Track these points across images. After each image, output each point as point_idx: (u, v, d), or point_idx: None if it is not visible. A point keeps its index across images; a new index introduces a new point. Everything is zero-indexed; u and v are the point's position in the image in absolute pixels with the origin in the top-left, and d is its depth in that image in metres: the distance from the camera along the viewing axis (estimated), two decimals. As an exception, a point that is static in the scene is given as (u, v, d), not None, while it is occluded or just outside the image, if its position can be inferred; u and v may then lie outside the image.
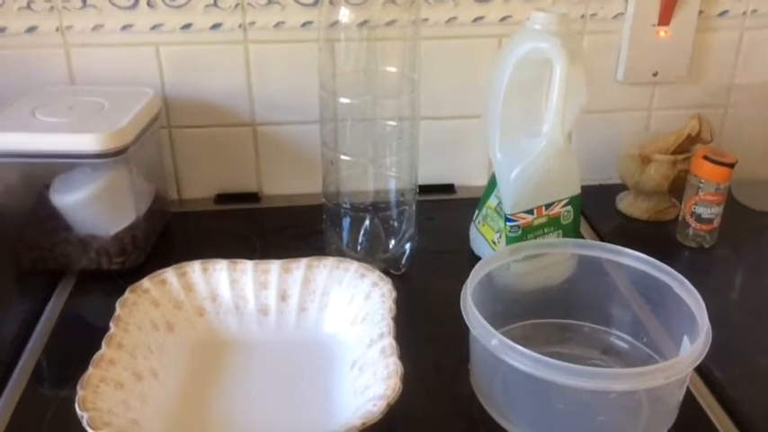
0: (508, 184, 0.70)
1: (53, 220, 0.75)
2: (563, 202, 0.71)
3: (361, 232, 0.76)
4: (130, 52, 0.85)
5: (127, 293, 0.64)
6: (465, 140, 0.94)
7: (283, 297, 0.67)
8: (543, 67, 0.67)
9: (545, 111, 0.68)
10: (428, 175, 0.77)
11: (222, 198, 0.93)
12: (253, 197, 0.94)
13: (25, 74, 0.84)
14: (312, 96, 0.83)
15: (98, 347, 0.57)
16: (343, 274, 0.67)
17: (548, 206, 0.71)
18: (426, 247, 0.79)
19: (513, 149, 0.70)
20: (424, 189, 0.78)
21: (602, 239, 0.84)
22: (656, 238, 0.85)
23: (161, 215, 0.86)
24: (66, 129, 0.72)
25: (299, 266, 0.68)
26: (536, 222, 0.71)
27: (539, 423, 0.55)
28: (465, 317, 0.57)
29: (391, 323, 0.60)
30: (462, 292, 0.59)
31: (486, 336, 0.54)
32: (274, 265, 0.68)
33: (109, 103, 0.77)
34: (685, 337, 0.57)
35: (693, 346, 0.53)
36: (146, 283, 0.65)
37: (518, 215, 0.70)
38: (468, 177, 0.96)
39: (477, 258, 0.76)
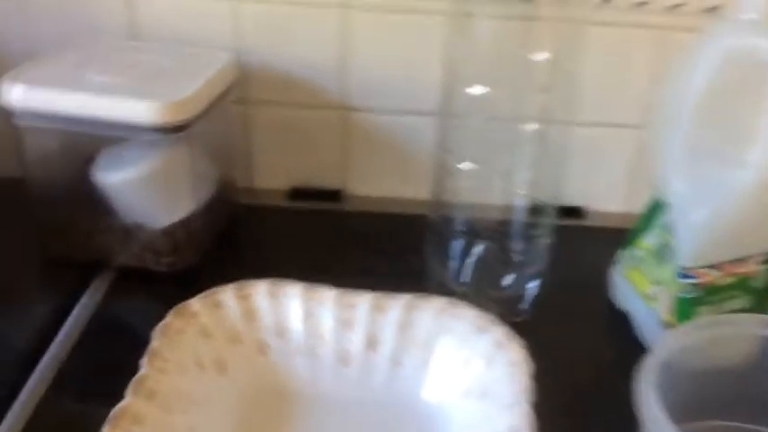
0: (690, 227, 0.52)
1: (93, 202, 0.63)
2: (760, 259, 0.53)
3: (472, 260, 0.60)
4: (206, 6, 0.70)
5: (170, 317, 0.49)
6: (600, 154, 0.76)
7: (372, 344, 0.51)
8: (755, 72, 0.49)
9: (756, 132, 0.50)
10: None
11: (298, 193, 0.79)
12: (334, 195, 0.79)
13: (78, 21, 0.71)
14: (425, 82, 0.69)
15: (131, 360, 0.46)
16: (454, 322, 0.51)
17: (738, 261, 0.53)
18: (548, 289, 0.62)
19: (702, 181, 0.51)
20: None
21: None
22: None
23: (225, 207, 0.72)
24: (120, 92, 0.58)
25: (397, 305, 0.52)
26: (720, 282, 0.53)
27: None
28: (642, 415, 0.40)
29: (530, 412, 0.43)
30: (640, 378, 0.42)
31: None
32: (364, 300, 0.52)
33: (175, 65, 0.64)
34: None
35: None
36: (195, 304, 0.50)
37: (699, 270, 0.52)
38: (597, 200, 0.78)
39: (618, 308, 0.60)
